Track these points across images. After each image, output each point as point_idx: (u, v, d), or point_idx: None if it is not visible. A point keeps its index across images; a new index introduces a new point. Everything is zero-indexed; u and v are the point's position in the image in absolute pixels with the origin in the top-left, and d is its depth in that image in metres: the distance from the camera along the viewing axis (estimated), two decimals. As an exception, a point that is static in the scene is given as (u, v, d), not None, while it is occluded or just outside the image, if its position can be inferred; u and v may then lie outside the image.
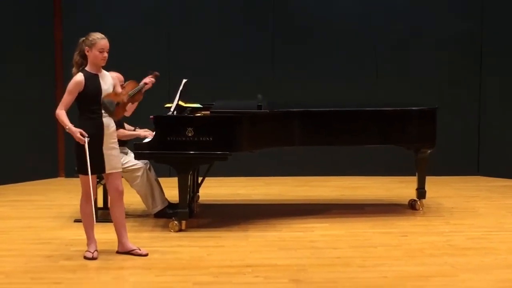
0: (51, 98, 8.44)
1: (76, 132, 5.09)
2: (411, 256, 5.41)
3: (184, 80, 6.51)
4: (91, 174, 5.15)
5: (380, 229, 6.19)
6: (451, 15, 8.69)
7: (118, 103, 5.30)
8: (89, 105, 5.17)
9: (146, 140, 6.15)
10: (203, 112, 6.64)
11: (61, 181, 8.53)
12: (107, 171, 5.26)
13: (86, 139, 5.07)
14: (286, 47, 8.72)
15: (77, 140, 5.11)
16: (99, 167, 5.21)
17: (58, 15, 8.56)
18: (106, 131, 5.22)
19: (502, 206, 7.14)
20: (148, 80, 5.71)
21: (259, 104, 6.35)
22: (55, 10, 8.55)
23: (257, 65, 8.69)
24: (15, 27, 8.21)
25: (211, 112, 6.23)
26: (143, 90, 5.66)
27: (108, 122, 5.25)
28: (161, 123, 6.02)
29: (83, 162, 5.13)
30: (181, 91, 6.41)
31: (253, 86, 8.28)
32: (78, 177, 5.26)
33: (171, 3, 8.61)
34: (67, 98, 5.16)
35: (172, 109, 6.28)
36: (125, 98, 5.42)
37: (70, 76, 5.26)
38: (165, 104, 6.76)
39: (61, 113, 5.14)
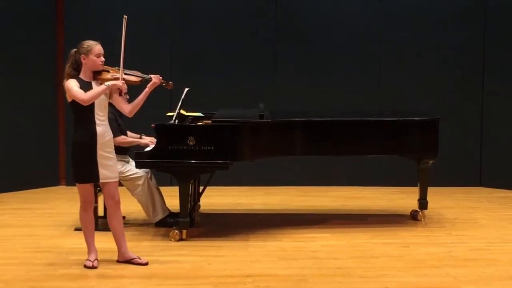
0: (51, 106, 8.46)
1: (117, 82, 5.09)
2: (412, 267, 5.39)
3: (186, 89, 6.51)
4: (85, 182, 5.15)
5: (382, 240, 6.17)
6: (454, 24, 8.69)
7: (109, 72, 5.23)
8: (83, 112, 5.10)
9: (148, 149, 6.14)
10: (204, 121, 6.63)
11: (62, 190, 8.52)
12: (101, 180, 5.20)
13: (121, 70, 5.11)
14: (289, 54, 8.73)
15: (120, 85, 5.09)
16: (92, 176, 5.16)
17: (60, 22, 8.57)
18: (100, 140, 5.13)
19: (503, 217, 7.13)
20: (157, 78, 5.40)
21: (261, 113, 6.35)
22: (57, 16, 8.56)
23: (259, 73, 8.69)
24: (15, 34, 8.21)
25: (212, 121, 6.23)
26: (144, 79, 5.38)
27: (103, 131, 5.16)
28: (163, 132, 6.02)
29: (77, 170, 5.13)
30: (182, 100, 6.41)
31: (255, 93, 8.28)
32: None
33: (171, 10, 8.61)
34: (78, 89, 5.02)
35: (173, 118, 6.28)
36: (119, 73, 5.21)
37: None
38: (168, 113, 6.76)
39: (87, 93, 5.01)
